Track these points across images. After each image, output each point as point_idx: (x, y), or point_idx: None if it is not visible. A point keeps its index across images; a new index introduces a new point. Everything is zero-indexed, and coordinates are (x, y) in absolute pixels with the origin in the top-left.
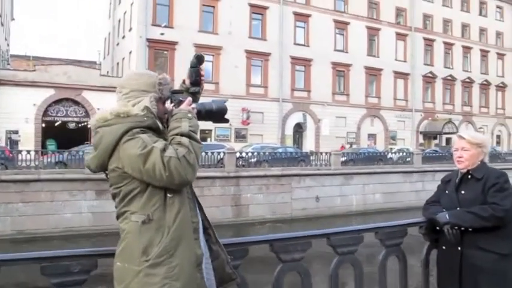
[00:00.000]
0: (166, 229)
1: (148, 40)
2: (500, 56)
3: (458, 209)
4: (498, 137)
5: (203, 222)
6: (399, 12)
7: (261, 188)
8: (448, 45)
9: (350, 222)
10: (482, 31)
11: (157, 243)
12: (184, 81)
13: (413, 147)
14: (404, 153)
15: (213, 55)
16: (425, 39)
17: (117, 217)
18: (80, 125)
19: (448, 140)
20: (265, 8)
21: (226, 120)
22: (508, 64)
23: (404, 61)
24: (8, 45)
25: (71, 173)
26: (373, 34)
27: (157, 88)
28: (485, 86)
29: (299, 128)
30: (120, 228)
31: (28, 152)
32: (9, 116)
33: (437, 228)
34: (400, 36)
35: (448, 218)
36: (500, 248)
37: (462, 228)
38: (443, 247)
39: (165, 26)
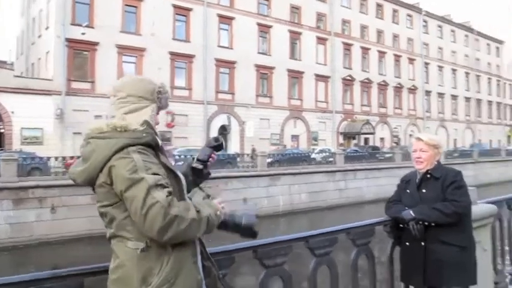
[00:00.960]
0: (166, 257)
1: (68, 40)
2: (411, 60)
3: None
4: (410, 136)
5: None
6: (319, 17)
7: None
8: (365, 50)
9: (277, 223)
10: (395, 37)
11: (158, 273)
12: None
13: (334, 147)
14: (327, 153)
15: (136, 56)
16: (344, 43)
17: (109, 239)
18: None
19: (366, 140)
20: (189, 9)
21: (254, 235)
22: (417, 68)
23: (325, 64)
24: None
25: None
26: (295, 38)
27: (155, 96)
28: (398, 88)
29: (224, 130)
30: (114, 252)
31: None
32: None
33: (401, 225)
34: (321, 40)
35: (413, 214)
36: (461, 241)
37: (426, 223)
38: (407, 243)
39: (86, 26)
